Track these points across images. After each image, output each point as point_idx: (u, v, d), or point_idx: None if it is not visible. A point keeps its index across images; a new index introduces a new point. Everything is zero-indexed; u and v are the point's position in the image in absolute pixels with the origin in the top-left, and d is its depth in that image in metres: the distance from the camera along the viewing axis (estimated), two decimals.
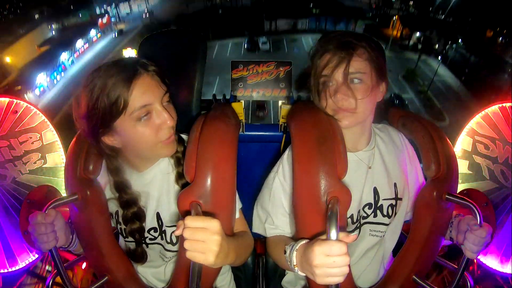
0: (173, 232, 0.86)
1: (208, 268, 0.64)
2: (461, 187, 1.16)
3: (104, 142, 0.76)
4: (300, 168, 0.76)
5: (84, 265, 1.43)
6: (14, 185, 1.18)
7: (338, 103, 0.79)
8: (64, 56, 19.63)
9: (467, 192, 1.05)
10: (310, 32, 22.94)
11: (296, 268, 0.68)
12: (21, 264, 1.17)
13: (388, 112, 1.01)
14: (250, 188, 0.98)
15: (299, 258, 0.68)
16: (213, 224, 0.61)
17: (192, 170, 0.74)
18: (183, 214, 0.71)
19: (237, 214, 0.85)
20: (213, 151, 0.74)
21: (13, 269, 1.17)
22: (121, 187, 0.83)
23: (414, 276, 0.86)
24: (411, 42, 20.84)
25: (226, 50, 20.47)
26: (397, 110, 1.00)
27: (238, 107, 1.16)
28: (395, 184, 0.89)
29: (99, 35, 24.29)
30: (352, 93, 0.77)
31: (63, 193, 1.06)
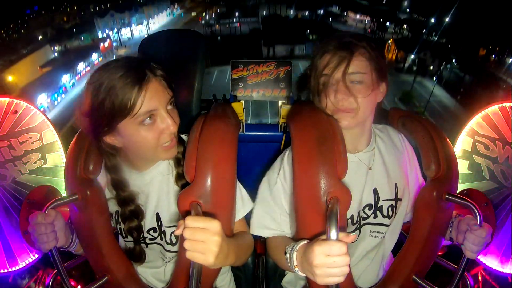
0: (172, 232, 0.86)
1: (208, 268, 0.65)
2: (461, 187, 1.16)
3: (105, 141, 0.76)
4: (300, 168, 0.76)
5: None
6: (14, 185, 1.17)
7: (338, 103, 0.79)
8: (65, 78, 19.73)
9: (467, 192, 1.05)
10: (307, 57, 23.10)
11: (296, 269, 0.68)
12: (21, 264, 1.17)
13: (388, 112, 1.01)
14: (250, 188, 0.98)
15: (299, 259, 0.68)
16: (214, 225, 0.61)
17: (192, 170, 0.74)
18: (183, 214, 0.71)
19: (240, 216, 0.85)
20: (213, 151, 0.74)
21: (13, 269, 1.16)
22: (119, 185, 0.83)
23: (414, 276, 0.86)
24: (406, 65, 21.20)
25: (225, 76, 20.80)
26: (397, 110, 0.99)
27: (238, 107, 1.16)
28: (395, 185, 0.89)
29: (100, 58, 24.39)
30: (352, 93, 0.77)
31: (63, 193, 1.06)
